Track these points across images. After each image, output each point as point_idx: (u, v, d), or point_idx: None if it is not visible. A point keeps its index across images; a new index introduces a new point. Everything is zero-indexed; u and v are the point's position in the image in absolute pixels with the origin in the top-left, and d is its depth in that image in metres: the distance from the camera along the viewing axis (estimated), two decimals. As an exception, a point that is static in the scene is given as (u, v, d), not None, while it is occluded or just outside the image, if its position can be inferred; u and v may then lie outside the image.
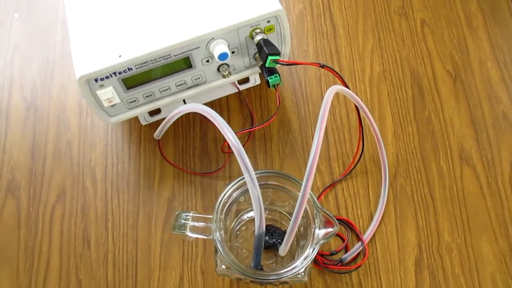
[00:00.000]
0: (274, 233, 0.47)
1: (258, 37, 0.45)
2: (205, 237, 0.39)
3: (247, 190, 0.39)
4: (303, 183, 0.33)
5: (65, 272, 0.50)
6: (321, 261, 0.50)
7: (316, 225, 0.35)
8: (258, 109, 0.56)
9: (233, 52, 0.47)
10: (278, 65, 0.45)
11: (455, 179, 0.54)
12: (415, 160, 0.55)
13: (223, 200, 0.39)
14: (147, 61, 0.44)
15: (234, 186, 0.39)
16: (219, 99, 0.56)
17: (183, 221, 0.39)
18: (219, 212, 0.37)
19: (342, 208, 0.52)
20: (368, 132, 0.55)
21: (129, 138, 0.55)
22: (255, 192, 0.34)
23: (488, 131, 0.55)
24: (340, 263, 0.50)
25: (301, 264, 0.38)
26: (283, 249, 0.38)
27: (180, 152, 0.54)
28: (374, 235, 0.51)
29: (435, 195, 0.53)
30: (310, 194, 0.35)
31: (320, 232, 0.35)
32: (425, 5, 0.62)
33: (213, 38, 0.45)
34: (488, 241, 0.51)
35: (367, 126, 0.54)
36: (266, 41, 0.45)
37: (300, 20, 0.61)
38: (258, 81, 0.56)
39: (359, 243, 0.50)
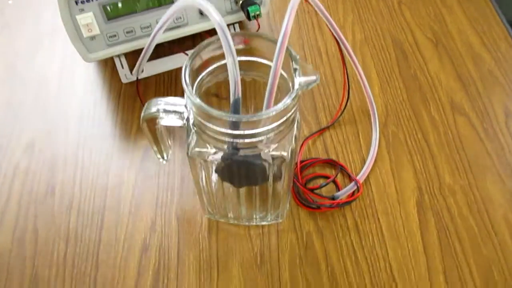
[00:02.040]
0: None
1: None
2: (180, 123, 0.35)
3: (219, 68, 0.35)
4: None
5: (22, 219, 0.44)
6: (310, 198, 0.44)
7: (296, 75, 0.32)
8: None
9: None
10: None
11: (449, 126, 0.51)
12: (405, 110, 0.52)
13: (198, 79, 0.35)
14: (129, -13, 0.45)
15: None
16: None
17: (154, 107, 0.35)
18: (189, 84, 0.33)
19: (332, 154, 0.48)
20: (354, 86, 0.54)
21: (108, 95, 0.53)
22: (230, 57, 0.31)
23: (476, 84, 0.54)
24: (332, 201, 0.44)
25: (279, 114, 0.31)
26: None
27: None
28: (368, 178, 0.47)
29: (430, 140, 0.50)
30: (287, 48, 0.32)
31: (300, 79, 0.31)
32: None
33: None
34: (494, 183, 0.46)
35: (353, 79, 0.53)
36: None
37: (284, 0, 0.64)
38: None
39: (352, 183, 0.46)
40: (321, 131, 0.50)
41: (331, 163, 0.47)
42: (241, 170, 0.34)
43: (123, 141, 0.50)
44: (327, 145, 0.49)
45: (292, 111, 0.32)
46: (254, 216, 0.43)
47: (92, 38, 0.47)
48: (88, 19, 0.45)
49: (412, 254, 0.42)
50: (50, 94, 0.54)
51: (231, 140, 0.32)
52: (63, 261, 0.42)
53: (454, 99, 0.53)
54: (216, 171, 0.35)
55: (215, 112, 0.30)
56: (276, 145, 0.33)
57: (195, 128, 0.33)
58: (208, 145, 0.34)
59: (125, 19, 0.47)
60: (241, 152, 0.33)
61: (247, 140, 0.31)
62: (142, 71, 0.50)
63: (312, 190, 0.44)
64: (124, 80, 0.54)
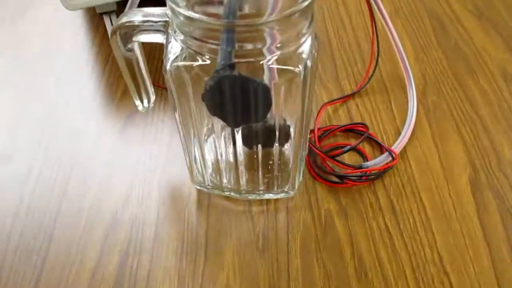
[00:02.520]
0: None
1: None
2: (161, 38, 0.26)
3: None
4: None
5: (-34, 184, 0.35)
6: (330, 168, 0.34)
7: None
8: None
9: None
10: None
11: (504, 98, 0.41)
12: (446, 79, 0.43)
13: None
14: None
15: None
16: None
17: (129, 17, 0.27)
18: None
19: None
20: (384, 53, 0.45)
21: (96, 57, 0.46)
22: None
23: (533, 55, 0.45)
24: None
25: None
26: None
27: (154, 71, 0.44)
28: (405, 150, 0.37)
29: (481, 112, 0.40)
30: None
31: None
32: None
33: None
34: None
35: (383, 45, 0.45)
36: None
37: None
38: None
39: (386, 153, 0.36)
40: (345, 98, 0.41)
41: (357, 131, 0.38)
42: (235, 94, 0.25)
43: (105, 106, 0.41)
44: (352, 114, 0.40)
45: (306, 2, 0.23)
46: (257, 187, 0.33)
47: (75, -20, 0.40)
48: (70, -46, 0.38)
49: (468, 242, 0.31)
50: (33, 52, 0.46)
51: (225, 40, 0.23)
52: (7, 235, 0.32)
53: (507, 70, 0.44)
54: (202, 99, 0.26)
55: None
56: (282, 53, 0.24)
57: (179, 37, 0.24)
58: (196, 58, 0.25)
59: (115, -40, 0.40)
60: (238, 70, 0.24)
61: (245, 36, 0.23)
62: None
63: (333, 157, 0.34)
64: (114, 44, 0.46)
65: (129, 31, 0.27)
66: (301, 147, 0.31)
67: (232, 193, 0.34)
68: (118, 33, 0.27)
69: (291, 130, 0.31)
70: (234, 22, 0.22)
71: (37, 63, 0.46)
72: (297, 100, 0.27)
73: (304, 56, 0.25)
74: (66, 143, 0.38)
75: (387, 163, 0.35)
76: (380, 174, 0.34)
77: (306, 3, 0.24)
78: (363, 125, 0.37)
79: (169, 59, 0.25)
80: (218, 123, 0.29)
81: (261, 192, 0.33)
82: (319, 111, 0.38)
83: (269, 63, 0.24)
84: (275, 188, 0.33)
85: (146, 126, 0.39)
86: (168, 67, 0.25)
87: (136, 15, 0.27)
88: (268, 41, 0.24)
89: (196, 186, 0.35)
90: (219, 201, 0.34)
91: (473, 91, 0.42)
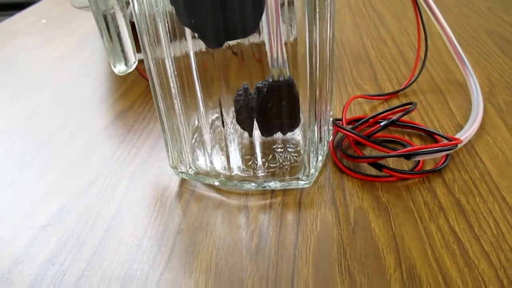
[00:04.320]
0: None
1: None
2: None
3: None
4: None
5: None
6: (361, 153, 0.24)
7: None
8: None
9: None
10: None
11: None
12: (521, 81, 0.33)
13: None
14: None
15: None
16: None
17: None
18: None
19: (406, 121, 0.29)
20: (433, 58, 0.37)
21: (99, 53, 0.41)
22: None
23: None
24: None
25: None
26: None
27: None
28: (472, 145, 0.26)
29: None
30: None
31: None
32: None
33: None
34: None
35: (432, 50, 0.37)
36: None
37: None
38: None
39: (444, 141, 0.25)
40: (387, 96, 0.32)
41: (402, 124, 0.28)
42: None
43: (100, 103, 0.35)
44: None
45: None
46: (257, 170, 0.23)
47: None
48: None
49: None
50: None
51: None
52: None
53: None
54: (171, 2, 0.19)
55: None
56: None
57: None
58: None
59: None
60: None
61: None
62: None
63: (367, 136, 0.24)
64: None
65: None
66: (316, 116, 0.22)
67: (222, 181, 0.24)
68: None
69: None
70: None
71: (50, 70, 0.42)
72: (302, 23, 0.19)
73: None
74: (44, 129, 0.32)
75: (446, 157, 0.24)
76: (438, 168, 0.24)
77: None
78: (411, 103, 0.27)
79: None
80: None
81: (261, 179, 0.24)
82: (348, 100, 0.30)
83: None
84: (283, 175, 0.23)
85: (135, 123, 0.32)
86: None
87: None
88: None
89: (178, 174, 0.26)
90: (206, 193, 0.24)
91: (560, 92, 0.32)
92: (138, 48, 0.24)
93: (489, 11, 0.49)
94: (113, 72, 0.40)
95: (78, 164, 0.28)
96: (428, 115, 0.30)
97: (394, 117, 0.25)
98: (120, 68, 0.26)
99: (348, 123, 0.28)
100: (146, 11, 0.20)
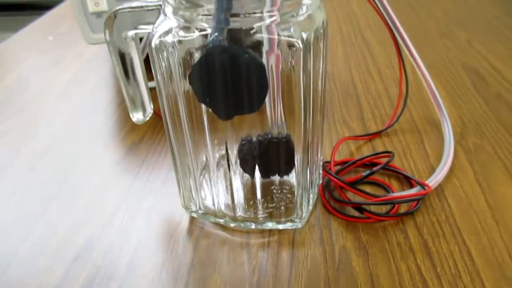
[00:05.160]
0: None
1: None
2: (147, 28, 0.24)
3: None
4: None
5: None
6: (346, 197, 0.28)
7: None
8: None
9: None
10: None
11: (561, 142, 0.35)
12: (489, 122, 0.37)
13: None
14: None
15: None
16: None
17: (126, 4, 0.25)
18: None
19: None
20: (414, 96, 0.41)
21: (113, 91, 0.45)
22: None
23: None
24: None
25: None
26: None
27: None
28: (441, 189, 0.31)
29: (534, 154, 0.33)
30: None
31: None
32: (470, 31, 0.56)
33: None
34: None
35: (413, 89, 0.41)
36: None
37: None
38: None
39: (417, 187, 0.30)
40: (370, 135, 0.36)
41: (383, 168, 0.32)
42: (226, 74, 0.21)
43: (112, 136, 0.39)
44: (377, 151, 0.35)
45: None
46: (258, 211, 0.28)
47: (98, 15, 0.41)
48: (96, -11, 0.40)
49: (532, 295, 0.23)
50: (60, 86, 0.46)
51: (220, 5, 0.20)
52: (-34, 255, 0.28)
53: (561, 117, 0.38)
54: (189, 81, 0.23)
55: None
56: (283, 19, 0.21)
57: (172, 15, 0.22)
58: (184, 31, 0.22)
59: (138, -2, 0.41)
60: (232, 41, 0.21)
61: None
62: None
63: (352, 183, 0.29)
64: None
65: (125, 17, 0.26)
66: (308, 163, 0.27)
67: (227, 220, 0.28)
68: (114, 17, 0.26)
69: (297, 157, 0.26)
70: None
71: (60, 96, 0.45)
72: (297, 88, 0.23)
73: (307, 32, 0.22)
74: (60, 165, 0.35)
75: (417, 202, 0.29)
76: (410, 211, 0.28)
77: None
78: (389, 153, 0.32)
79: (156, 33, 0.23)
80: (211, 140, 0.25)
81: (261, 220, 0.28)
82: (337, 144, 0.34)
83: (268, 25, 0.21)
84: (279, 217, 0.28)
85: (146, 156, 0.36)
86: (154, 42, 0.23)
87: (132, 3, 0.26)
88: (268, 2, 0.21)
89: (189, 213, 0.30)
90: (213, 230, 0.29)
91: (523, 135, 0.36)
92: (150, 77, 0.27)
93: (468, 43, 0.53)
94: (121, 102, 0.44)
95: (98, 198, 0.32)
96: (406, 156, 0.34)
97: (375, 168, 0.30)
98: (138, 118, 0.30)
99: (336, 164, 0.33)
100: (162, 54, 0.24)
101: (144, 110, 0.30)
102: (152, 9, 0.25)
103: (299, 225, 0.28)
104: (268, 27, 0.21)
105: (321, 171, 0.30)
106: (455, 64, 0.48)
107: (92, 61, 0.53)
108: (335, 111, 0.40)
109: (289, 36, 0.21)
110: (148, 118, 0.31)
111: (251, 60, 0.21)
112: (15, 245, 0.28)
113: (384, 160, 0.31)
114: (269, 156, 0.27)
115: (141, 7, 0.25)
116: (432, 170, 0.32)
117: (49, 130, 0.40)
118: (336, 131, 0.38)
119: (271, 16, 0.21)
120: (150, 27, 0.25)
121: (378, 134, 0.37)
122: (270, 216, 0.28)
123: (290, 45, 0.21)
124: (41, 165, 0.36)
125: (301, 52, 0.21)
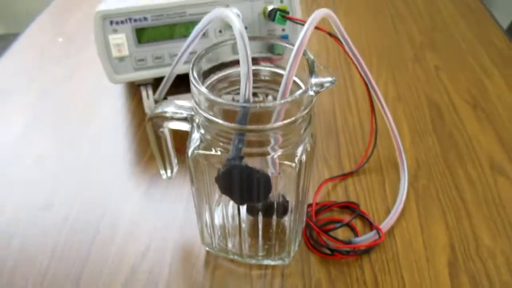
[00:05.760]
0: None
1: (271, 7, 0.47)
2: (186, 127, 0.32)
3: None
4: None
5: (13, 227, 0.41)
6: (323, 241, 0.39)
7: (312, 77, 0.29)
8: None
9: (246, 28, 0.49)
10: (286, 22, 0.45)
11: (488, 186, 0.45)
12: (438, 164, 0.48)
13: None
14: (163, 14, 0.47)
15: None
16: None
17: (162, 108, 0.33)
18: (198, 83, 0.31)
19: (353, 200, 0.44)
20: (384, 136, 0.50)
21: (130, 122, 0.53)
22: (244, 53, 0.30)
23: (520, 148, 0.49)
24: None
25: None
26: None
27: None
28: (392, 230, 0.41)
29: (466, 198, 0.44)
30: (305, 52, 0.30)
31: (316, 80, 0.29)
32: (439, 56, 0.64)
33: (228, 5, 0.48)
34: (544, 252, 0.39)
35: (383, 129, 0.50)
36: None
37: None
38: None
39: (374, 231, 0.40)
40: (344, 176, 0.46)
41: (351, 208, 0.43)
42: (242, 180, 0.31)
43: (134, 166, 0.48)
44: (349, 191, 0.45)
45: (305, 112, 0.29)
46: (258, 253, 0.38)
47: (121, 59, 0.48)
48: (119, 40, 0.46)
49: (441, 321, 0.35)
50: (74, 113, 0.54)
51: (237, 139, 0.29)
52: (43, 274, 0.38)
53: (494, 159, 0.48)
54: (216, 180, 0.32)
55: (223, 100, 0.28)
56: (284, 150, 0.30)
57: (200, 130, 0.31)
58: (212, 149, 0.31)
59: (156, 45, 0.48)
60: (246, 161, 0.30)
61: (253, 138, 0.29)
62: (165, 98, 0.50)
63: (327, 232, 0.39)
64: (147, 111, 0.53)
65: (161, 120, 0.34)
66: (297, 220, 0.36)
67: (236, 257, 0.39)
68: (152, 120, 0.34)
69: (290, 205, 0.36)
70: (245, 127, 0.28)
71: (77, 124, 0.53)
72: (292, 188, 0.32)
73: (300, 153, 0.31)
74: (99, 197, 0.44)
75: (374, 241, 0.39)
76: (367, 250, 0.39)
77: (305, 111, 0.29)
78: (355, 204, 0.42)
79: (191, 147, 0.32)
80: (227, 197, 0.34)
81: (260, 257, 0.38)
82: (319, 187, 0.44)
83: (272, 158, 0.30)
84: (273, 255, 0.38)
85: (167, 187, 0.45)
86: (189, 153, 0.31)
87: (168, 106, 0.34)
88: (272, 141, 0.29)
89: (205, 247, 0.40)
90: (224, 263, 0.39)
91: (461, 178, 0.46)
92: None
93: (435, 70, 0.61)
94: (141, 128, 0.52)
95: (132, 232, 0.41)
96: (370, 197, 0.44)
97: (345, 221, 0.40)
98: (166, 175, 0.39)
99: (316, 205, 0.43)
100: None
101: (171, 169, 0.39)
102: (183, 118, 0.33)
103: (287, 262, 0.38)
104: (272, 158, 0.30)
105: (304, 216, 0.41)
106: (421, 97, 0.57)
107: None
108: (317, 149, 0.50)
109: (286, 161, 0.30)
110: (174, 175, 0.40)
111: (260, 175, 0.30)
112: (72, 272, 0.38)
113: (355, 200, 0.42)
114: (271, 208, 0.36)
115: (175, 113, 0.33)
116: (388, 212, 0.43)
117: (82, 154, 0.49)
118: (318, 170, 0.47)
119: (274, 151, 0.30)
120: (183, 124, 0.33)
121: (349, 174, 0.47)
122: (267, 255, 0.38)
123: (288, 167, 0.30)
124: (81, 196, 0.45)
125: (296, 172, 0.30)
